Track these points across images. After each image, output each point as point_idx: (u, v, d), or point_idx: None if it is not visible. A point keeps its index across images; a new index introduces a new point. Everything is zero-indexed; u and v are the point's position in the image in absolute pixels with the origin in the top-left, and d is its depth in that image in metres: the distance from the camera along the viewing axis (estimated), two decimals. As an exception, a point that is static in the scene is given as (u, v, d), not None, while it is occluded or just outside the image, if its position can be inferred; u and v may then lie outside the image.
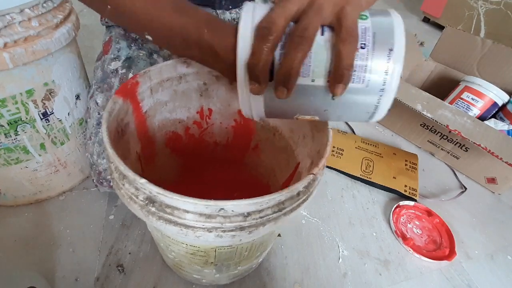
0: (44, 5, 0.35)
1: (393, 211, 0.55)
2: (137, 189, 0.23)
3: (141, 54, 0.44)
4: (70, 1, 0.43)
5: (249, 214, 0.22)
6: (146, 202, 0.22)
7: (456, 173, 0.68)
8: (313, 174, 0.24)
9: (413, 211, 0.57)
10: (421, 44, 1.38)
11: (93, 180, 0.43)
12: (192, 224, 0.22)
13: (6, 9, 0.31)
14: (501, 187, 0.64)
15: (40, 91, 0.39)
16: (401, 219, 0.55)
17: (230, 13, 0.50)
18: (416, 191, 0.59)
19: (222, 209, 0.21)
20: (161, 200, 0.22)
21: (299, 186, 0.23)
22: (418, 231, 0.54)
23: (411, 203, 0.57)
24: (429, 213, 0.56)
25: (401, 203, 0.57)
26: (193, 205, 0.21)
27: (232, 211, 0.22)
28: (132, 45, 0.44)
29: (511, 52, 0.70)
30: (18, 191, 0.47)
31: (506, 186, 0.63)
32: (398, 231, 0.53)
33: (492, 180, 0.64)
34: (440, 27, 1.51)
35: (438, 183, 0.65)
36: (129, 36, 0.46)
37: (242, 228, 0.23)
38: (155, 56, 0.45)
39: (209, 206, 0.21)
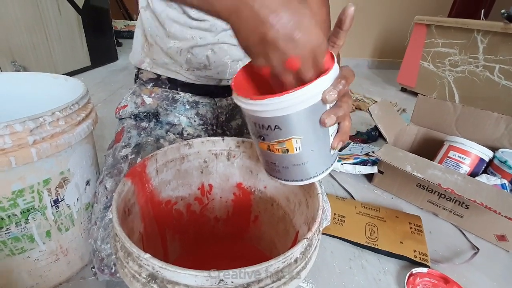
0: (72, 107, 0.41)
1: (407, 281, 0.52)
2: (140, 266, 0.24)
3: (149, 140, 0.49)
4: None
5: (248, 285, 0.23)
6: (149, 279, 0.23)
7: (465, 232, 0.67)
8: (306, 238, 0.25)
9: (428, 279, 0.54)
10: (403, 110, 1.51)
11: (92, 268, 0.42)
12: (193, 300, 0.22)
13: (41, 112, 0.37)
14: (513, 244, 0.61)
15: (55, 180, 0.42)
16: (418, 289, 0.52)
17: (227, 100, 0.58)
18: (426, 256, 0.57)
19: (222, 280, 0.22)
20: (163, 276, 0.23)
21: (295, 251, 0.24)
22: (438, 301, 0.50)
23: (424, 270, 0.54)
24: (446, 280, 0.53)
25: (414, 270, 0.54)
26: (193, 277, 0.22)
27: (232, 282, 0.22)
28: (141, 133, 0.50)
29: (480, 112, 0.77)
30: (16, 285, 0.45)
31: (518, 243, 0.61)
32: (416, 303, 0.49)
33: (502, 238, 0.62)
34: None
35: (448, 245, 0.63)
36: (139, 125, 0.52)
37: (242, 301, 0.23)
38: (161, 141, 0.50)
39: (210, 278, 0.22)
